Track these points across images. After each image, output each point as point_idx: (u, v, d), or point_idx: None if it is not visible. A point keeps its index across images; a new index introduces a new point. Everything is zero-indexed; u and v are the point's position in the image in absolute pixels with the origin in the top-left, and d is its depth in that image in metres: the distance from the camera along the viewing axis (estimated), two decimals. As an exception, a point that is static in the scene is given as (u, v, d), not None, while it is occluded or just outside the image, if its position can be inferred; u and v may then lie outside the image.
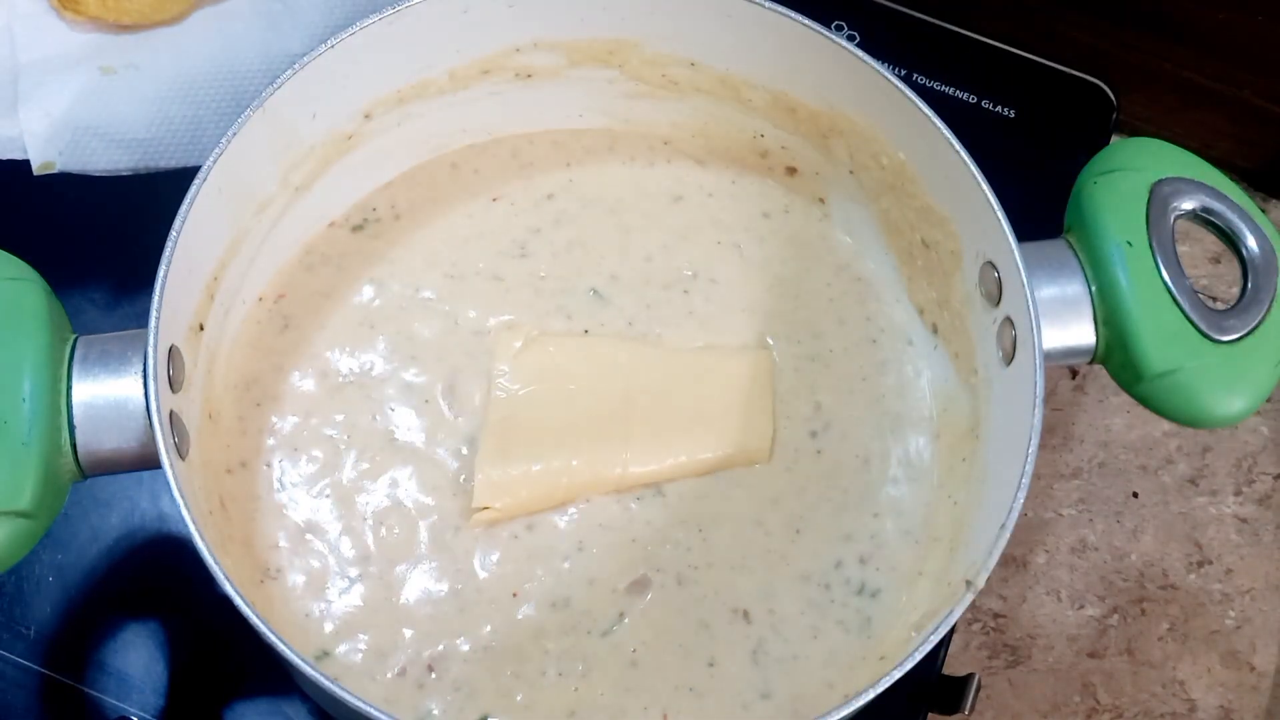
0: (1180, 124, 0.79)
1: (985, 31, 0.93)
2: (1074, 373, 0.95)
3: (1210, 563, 0.91)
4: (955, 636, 0.87)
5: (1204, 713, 0.89)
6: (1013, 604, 0.90)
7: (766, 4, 0.70)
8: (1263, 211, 0.68)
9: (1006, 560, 0.90)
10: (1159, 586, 0.91)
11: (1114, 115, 0.91)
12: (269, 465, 0.71)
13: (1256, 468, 0.94)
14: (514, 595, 0.70)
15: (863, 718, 0.61)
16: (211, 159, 0.65)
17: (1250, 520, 0.93)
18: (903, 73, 0.69)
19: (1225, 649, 0.90)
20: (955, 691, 0.76)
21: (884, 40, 0.90)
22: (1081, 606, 0.90)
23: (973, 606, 0.89)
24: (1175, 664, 0.89)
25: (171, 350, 0.63)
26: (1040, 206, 0.72)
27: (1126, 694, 0.89)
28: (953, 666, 0.80)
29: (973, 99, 0.91)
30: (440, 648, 0.69)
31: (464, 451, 0.73)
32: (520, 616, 0.70)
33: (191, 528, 0.58)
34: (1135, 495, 0.93)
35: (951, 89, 0.91)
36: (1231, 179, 0.70)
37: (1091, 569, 0.91)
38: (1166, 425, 0.94)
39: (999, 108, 0.91)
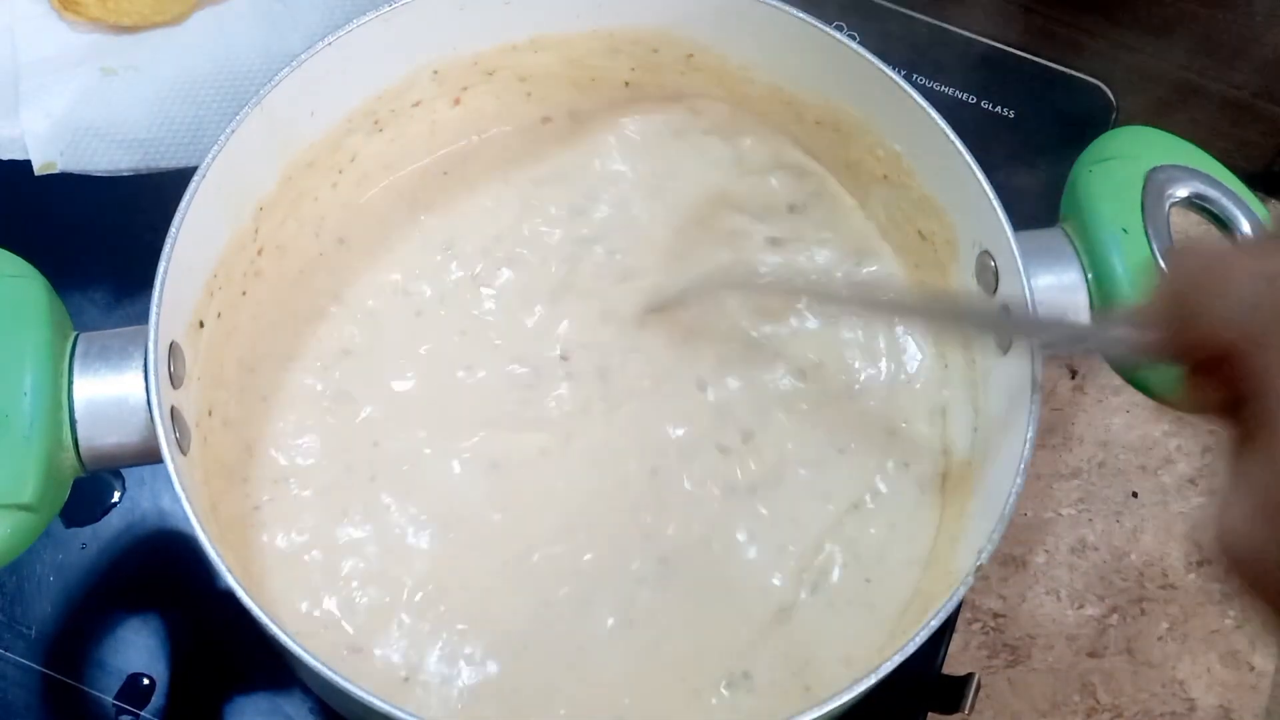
0: (1179, 124, 0.79)
1: (985, 31, 0.93)
2: (1073, 373, 0.95)
3: (1210, 562, 0.91)
4: (955, 636, 0.87)
5: (1203, 712, 0.89)
6: (1012, 603, 0.90)
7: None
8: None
9: (1006, 560, 0.90)
10: (1158, 586, 0.91)
11: (1114, 115, 0.91)
12: (270, 459, 0.72)
13: (1256, 468, 0.94)
14: (529, 599, 0.70)
15: (863, 717, 0.61)
16: (210, 157, 0.65)
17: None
18: (903, 73, 0.69)
19: (1225, 649, 0.90)
20: (955, 691, 0.76)
21: (884, 40, 0.90)
22: (1081, 606, 0.90)
23: (972, 606, 0.89)
24: (1175, 663, 0.89)
25: (172, 346, 0.63)
26: (1041, 205, 0.72)
27: (1126, 693, 0.89)
28: (952, 666, 0.80)
29: (973, 99, 0.91)
30: (446, 646, 0.69)
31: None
32: (535, 615, 0.70)
33: (194, 522, 0.58)
34: (1135, 495, 0.93)
35: (951, 89, 0.91)
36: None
37: (1091, 569, 0.91)
38: (1166, 425, 0.94)
39: (999, 108, 0.91)
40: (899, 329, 0.76)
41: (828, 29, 0.70)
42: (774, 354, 0.76)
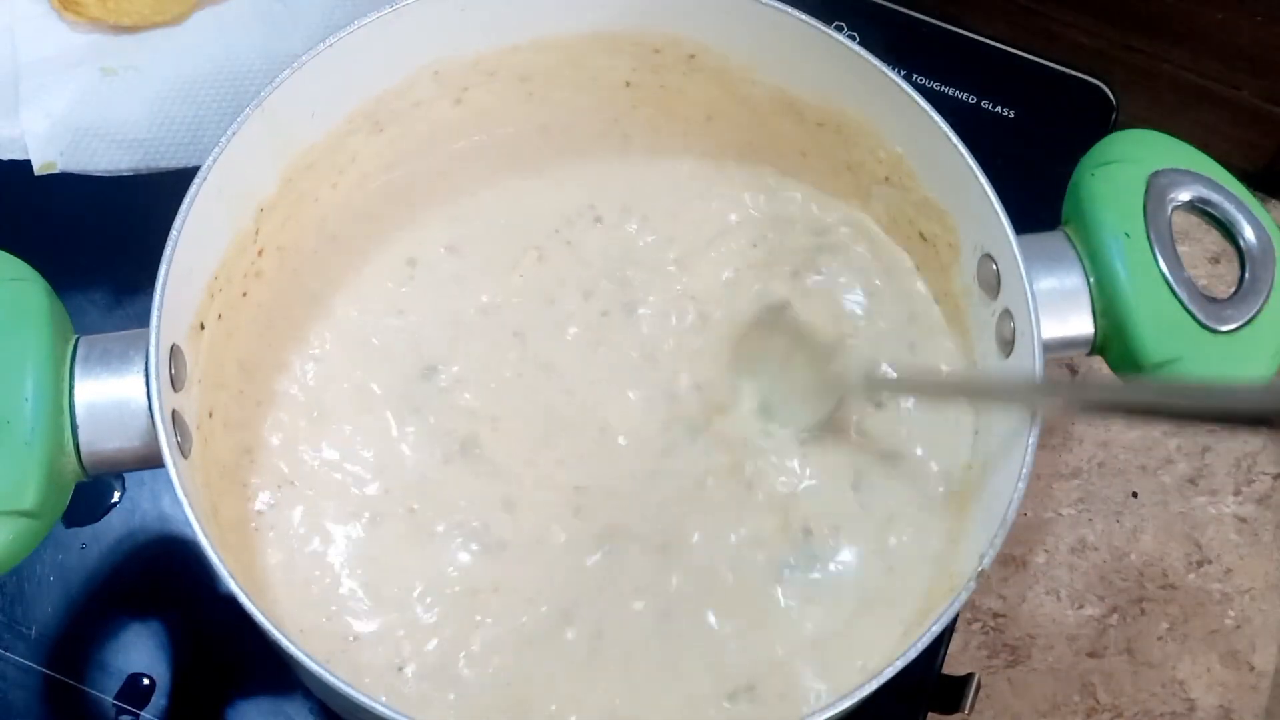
0: (1179, 124, 0.79)
1: (985, 31, 0.93)
2: (1073, 372, 0.95)
3: (1210, 562, 0.92)
4: (955, 636, 0.87)
5: (1203, 712, 0.89)
6: (1012, 604, 0.90)
7: (765, 1, 0.70)
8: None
9: (1006, 560, 0.90)
10: (1158, 586, 0.91)
11: (1114, 115, 0.91)
12: (270, 461, 0.71)
13: (1256, 468, 0.94)
14: (528, 600, 0.70)
15: (863, 717, 0.61)
16: (211, 159, 0.65)
17: (1249, 520, 0.93)
18: (903, 73, 0.69)
19: (1225, 649, 0.90)
20: (955, 691, 0.76)
21: (884, 40, 0.90)
22: (1081, 606, 0.90)
23: (972, 606, 0.89)
24: (1175, 664, 0.90)
25: (173, 349, 0.63)
26: (1041, 206, 0.72)
27: (1126, 693, 0.89)
28: (952, 666, 0.80)
29: (973, 99, 0.91)
30: (446, 646, 0.69)
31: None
32: (531, 622, 0.70)
33: (195, 526, 0.58)
34: (1135, 495, 0.93)
35: (951, 89, 0.91)
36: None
37: (1091, 569, 0.91)
38: (1166, 425, 0.94)
39: (999, 108, 0.91)
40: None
41: (828, 30, 0.70)
42: None
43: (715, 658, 0.69)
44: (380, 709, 0.56)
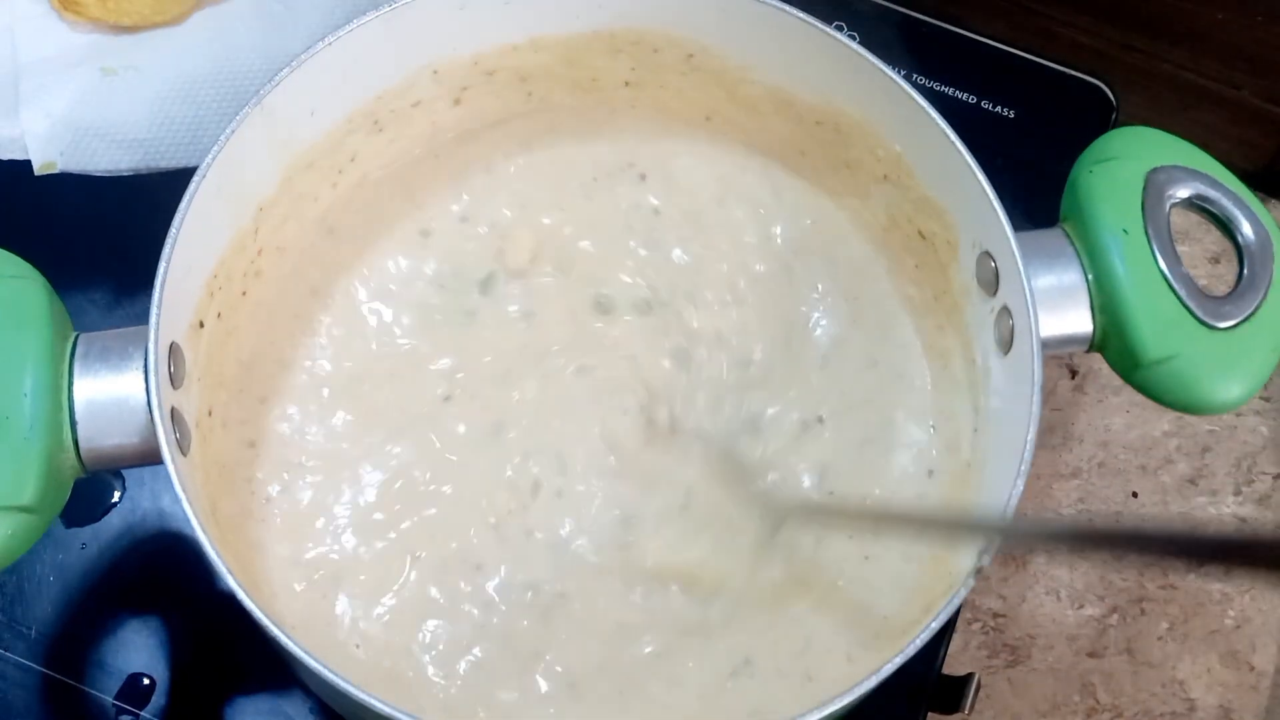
0: (1179, 124, 0.80)
1: (985, 31, 0.93)
2: (1073, 373, 0.95)
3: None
4: (955, 636, 0.87)
5: (1204, 712, 0.89)
6: (1012, 603, 0.90)
7: (765, 1, 0.70)
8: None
9: (1006, 560, 0.90)
10: (1159, 586, 0.91)
11: (1114, 115, 0.91)
12: (269, 459, 0.71)
13: (1256, 468, 0.94)
14: (529, 595, 0.70)
15: (863, 717, 0.61)
16: (210, 157, 0.65)
17: (1250, 520, 0.93)
18: (903, 73, 0.69)
19: (1225, 649, 0.90)
20: (955, 691, 0.76)
21: (884, 40, 0.91)
22: (1081, 606, 0.90)
23: (972, 606, 0.89)
24: (1175, 663, 0.89)
25: (172, 347, 0.63)
26: (1041, 206, 0.72)
27: (1126, 693, 0.89)
28: (952, 666, 0.80)
29: (973, 99, 0.91)
30: (447, 635, 0.69)
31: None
32: (542, 605, 0.70)
33: (194, 523, 0.58)
34: (1135, 495, 0.93)
35: (951, 89, 0.91)
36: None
37: (1091, 568, 0.91)
38: (1166, 425, 0.94)
39: (999, 108, 0.91)
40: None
41: (828, 29, 0.70)
42: None
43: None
44: (381, 706, 0.56)
